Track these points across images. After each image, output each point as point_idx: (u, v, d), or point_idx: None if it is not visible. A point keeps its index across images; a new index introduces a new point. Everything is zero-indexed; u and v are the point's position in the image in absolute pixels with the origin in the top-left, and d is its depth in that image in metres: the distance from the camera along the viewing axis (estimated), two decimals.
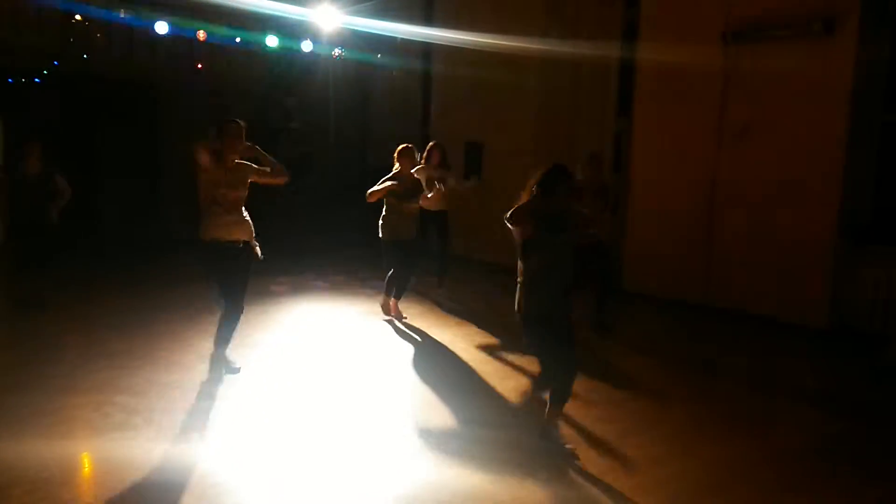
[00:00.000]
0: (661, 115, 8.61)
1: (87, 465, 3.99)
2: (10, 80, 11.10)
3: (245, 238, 5.18)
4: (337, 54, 12.75)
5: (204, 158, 4.92)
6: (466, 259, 10.68)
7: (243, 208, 5.19)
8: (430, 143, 8.20)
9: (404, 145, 7.08)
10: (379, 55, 12.73)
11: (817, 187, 7.25)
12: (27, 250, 7.25)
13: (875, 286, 7.01)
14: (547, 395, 4.27)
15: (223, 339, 5.28)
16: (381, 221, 7.13)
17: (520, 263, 4.16)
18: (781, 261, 7.47)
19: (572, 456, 4.08)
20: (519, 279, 4.17)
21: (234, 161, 5.08)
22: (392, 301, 7.26)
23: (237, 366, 5.38)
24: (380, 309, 7.37)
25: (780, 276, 7.48)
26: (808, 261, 7.29)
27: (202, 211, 5.07)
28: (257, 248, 5.27)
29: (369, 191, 6.85)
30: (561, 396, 4.19)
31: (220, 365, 5.30)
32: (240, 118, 5.15)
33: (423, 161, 7.85)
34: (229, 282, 5.14)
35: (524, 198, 4.13)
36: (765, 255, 7.61)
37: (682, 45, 8.12)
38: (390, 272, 7.18)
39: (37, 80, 11.43)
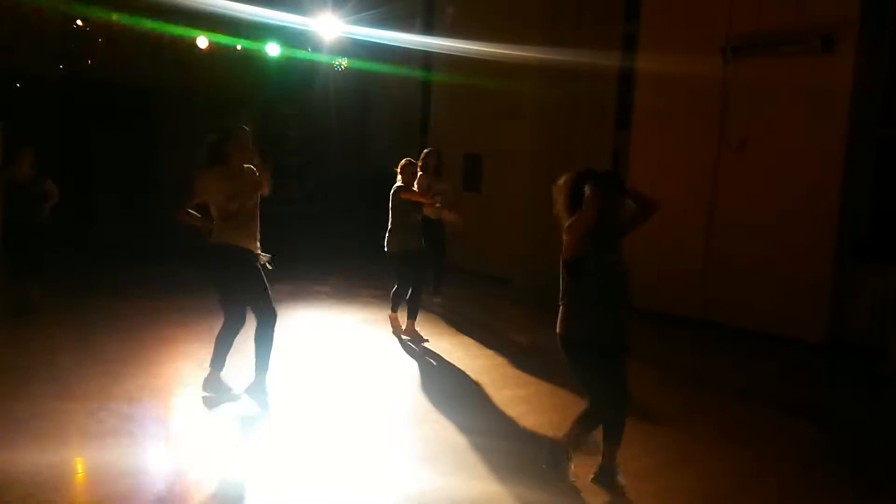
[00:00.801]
0: (660, 129, 8.64)
1: (80, 471, 3.96)
2: (17, 84, 11.11)
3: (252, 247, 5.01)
4: (338, 64, 12.79)
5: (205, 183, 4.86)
6: (465, 270, 10.68)
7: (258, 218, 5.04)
8: (426, 150, 8.24)
9: (406, 160, 6.98)
10: (379, 64, 12.77)
11: (815, 202, 7.27)
12: (19, 254, 7.25)
13: (872, 301, 7.03)
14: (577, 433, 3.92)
15: (220, 351, 5.06)
16: (387, 234, 6.93)
17: (564, 281, 3.70)
18: (780, 275, 7.48)
19: (623, 493, 3.79)
20: (562, 299, 3.74)
21: (241, 168, 4.96)
22: (408, 322, 6.97)
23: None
24: (379, 318, 7.35)
25: (779, 290, 7.48)
26: (807, 275, 7.30)
27: (217, 222, 4.89)
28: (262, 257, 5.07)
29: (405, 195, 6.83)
30: (612, 435, 3.80)
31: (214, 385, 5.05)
32: (239, 125, 5.13)
33: (419, 168, 7.90)
34: (242, 288, 5.01)
35: (560, 202, 3.67)
36: (763, 269, 7.62)
37: (681, 60, 8.16)
38: (395, 288, 7.05)
39: (37, 84, 11.44)
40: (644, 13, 8.78)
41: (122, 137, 12.43)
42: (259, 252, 5.05)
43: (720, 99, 8.00)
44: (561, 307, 3.75)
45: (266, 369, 5.10)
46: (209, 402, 4.95)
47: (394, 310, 7.12)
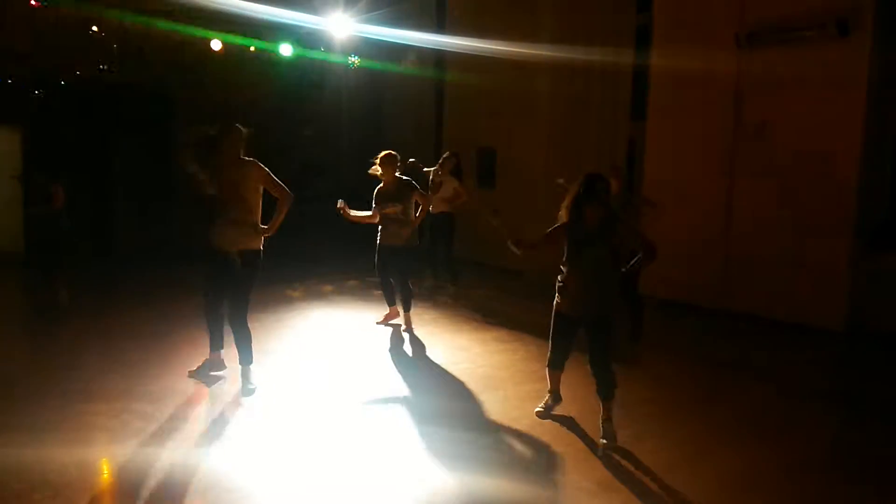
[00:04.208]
0: (675, 118, 8.58)
1: (106, 472, 4.03)
2: (36, 91, 11.23)
3: (241, 247, 5.08)
4: (351, 62, 12.82)
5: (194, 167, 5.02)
6: (480, 264, 10.68)
7: (248, 212, 5.09)
8: (446, 153, 8.75)
9: (387, 152, 6.88)
10: (392, 63, 12.80)
11: (834, 190, 7.20)
12: (44, 261, 7.37)
13: (892, 288, 6.95)
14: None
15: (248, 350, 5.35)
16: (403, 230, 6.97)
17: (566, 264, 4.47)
18: (798, 263, 7.42)
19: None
20: (560, 280, 4.52)
21: (232, 161, 5.06)
22: (389, 311, 7.34)
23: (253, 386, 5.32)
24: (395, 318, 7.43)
25: (797, 278, 7.43)
26: (826, 263, 7.24)
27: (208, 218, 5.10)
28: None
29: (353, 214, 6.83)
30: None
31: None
32: (254, 126, 5.20)
33: (439, 167, 8.53)
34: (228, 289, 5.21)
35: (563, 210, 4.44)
36: (781, 258, 7.57)
37: (695, 49, 8.12)
38: (400, 285, 7.16)
39: (54, 91, 11.57)
40: (656, 2, 8.72)
41: (140, 141, 12.55)
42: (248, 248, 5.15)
43: (735, 86, 7.93)
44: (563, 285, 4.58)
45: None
46: (231, 403, 5.01)
47: (406, 309, 7.16)
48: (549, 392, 4.94)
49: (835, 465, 4.31)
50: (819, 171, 7.29)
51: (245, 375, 5.31)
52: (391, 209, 6.82)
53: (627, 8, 9.11)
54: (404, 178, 6.90)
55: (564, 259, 4.50)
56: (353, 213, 6.83)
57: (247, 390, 5.21)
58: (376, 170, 6.79)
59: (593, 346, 4.46)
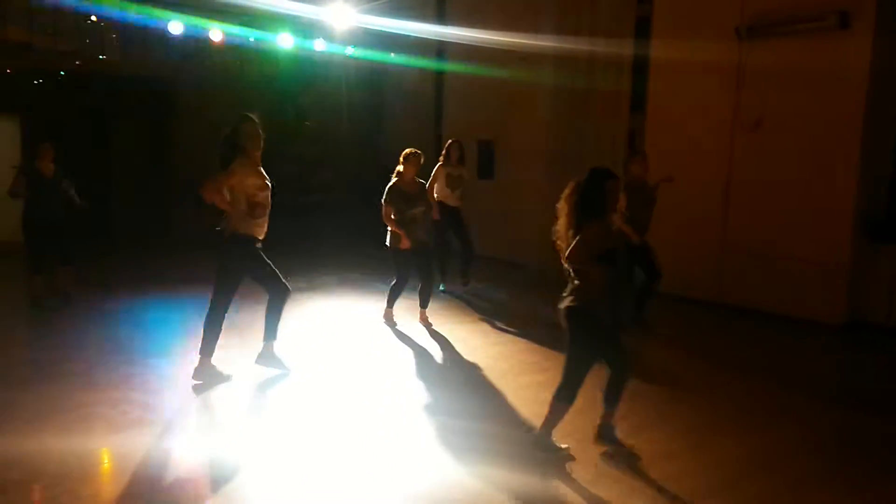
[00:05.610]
0: (675, 110, 8.57)
1: (105, 461, 4.04)
2: (37, 80, 11.22)
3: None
4: (350, 52, 12.79)
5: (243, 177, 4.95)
6: (480, 255, 10.69)
7: None
8: (449, 141, 8.44)
9: (411, 150, 6.72)
10: (392, 54, 12.76)
11: (833, 182, 7.19)
12: (42, 248, 7.34)
13: (891, 281, 6.96)
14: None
15: (212, 339, 5.17)
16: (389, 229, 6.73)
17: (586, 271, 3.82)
18: (797, 257, 7.43)
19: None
20: (578, 283, 3.88)
21: (259, 158, 5.10)
22: (420, 311, 7.03)
23: (227, 373, 5.27)
24: (396, 310, 7.33)
25: (796, 272, 7.43)
26: (825, 257, 7.24)
27: (239, 212, 4.95)
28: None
29: (385, 213, 6.60)
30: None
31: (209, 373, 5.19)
32: (253, 117, 5.16)
33: (441, 158, 8.22)
34: (254, 275, 5.26)
35: (563, 210, 3.90)
36: (780, 251, 7.57)
37: (695, 40, 8.09)
38: (393, 282, 6.92)
39: (54, 80, 11.56)
40: None
41: (139, 131, 12.55)
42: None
43: (735, 79, 7.91)
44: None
45: (274, 338, 5.42)
46: (231, 392, 5.02)
47: (389, 305, 7.02)
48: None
49: (830, 453, 4.33)
50: (819, 164, 7.28)
51: (272, 348, 5.45)
52: (419, 211, 6.70)
53: None
54: (419, 179, 6.80)
55: (596, 264, 3.80)
56: (395, 228, 6.58)
57: (277, 362, 5.42)
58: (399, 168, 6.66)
59: (624, 349, 4.09)
